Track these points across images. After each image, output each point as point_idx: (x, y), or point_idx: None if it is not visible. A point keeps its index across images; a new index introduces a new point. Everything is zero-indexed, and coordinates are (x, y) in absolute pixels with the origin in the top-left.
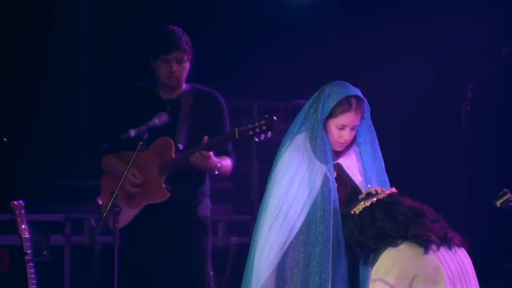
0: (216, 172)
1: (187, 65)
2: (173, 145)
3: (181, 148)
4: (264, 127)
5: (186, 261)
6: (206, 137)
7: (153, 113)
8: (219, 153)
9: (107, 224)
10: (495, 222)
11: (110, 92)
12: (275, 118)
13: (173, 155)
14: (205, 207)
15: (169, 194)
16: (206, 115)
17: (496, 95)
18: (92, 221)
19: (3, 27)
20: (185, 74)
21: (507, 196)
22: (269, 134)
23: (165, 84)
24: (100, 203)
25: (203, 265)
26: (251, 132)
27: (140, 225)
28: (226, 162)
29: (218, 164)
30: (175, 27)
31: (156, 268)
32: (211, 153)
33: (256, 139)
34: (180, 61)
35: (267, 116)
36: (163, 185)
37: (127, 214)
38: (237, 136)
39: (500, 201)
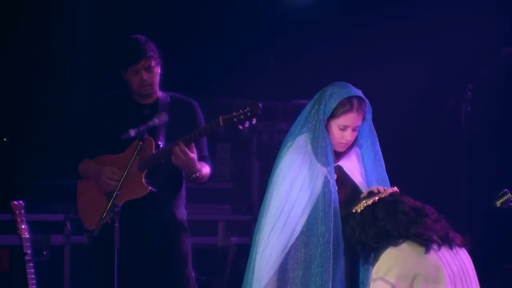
0: (193, 176)
1: (157, 71)
2: (153, 142)
3: (161, 145)
4: (248, 114)
5: (168, 262)
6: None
7: (132, 118)
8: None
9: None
10: (495, 222)
11: (85, 104)
12: (260, 104)
13: (153, 152)
14: (183, 212)
15: (149, 188)
16: (183, 120)
17: (496, 95)
18: (68, 225)
19: (2, 26)
20: (157, 79)
21: (507, 196)
22: (254, 121)
23: (140, 93)
24: (69, 225)
25: (186, 265)
26: (235, 119)
27: (120, 226)
28: (206, 170)
29: (198, 173)
30: (138, 36)
31: (137, 269)
32: (195, 156)
33: (241, 127)
34: (149, 69)
35: (251, 102)
36: (143, 180)
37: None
38: (221, 124)
39: (500, 201)
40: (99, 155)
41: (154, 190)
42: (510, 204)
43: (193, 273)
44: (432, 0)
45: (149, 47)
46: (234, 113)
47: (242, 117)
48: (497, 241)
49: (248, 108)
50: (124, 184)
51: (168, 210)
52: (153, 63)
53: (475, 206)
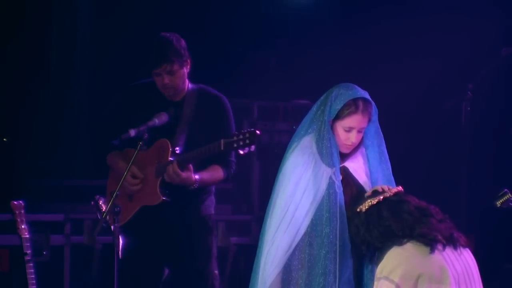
0: (191, 188)
1: (181, 72)
2: (169, 147)
3: (177, 151)
4: (247, 141)
5: (190, 260)
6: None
7: (157, 113)
8: (216, 161)
9: (108, 224)
10: (495, 222)
11: (117, 88)
12: (258, 132)
13: (169, 159)
14: (210, 205)
15: (162, 198)
16: (209, 118)
17: (496, 95)
18: (99, 216)
19: (3, 27)
20: (180, 81)
21: (507, 196)
22: (253, 147)
23: (163, 93)
24: (101, 202)
25: (208, 264)
26: (235, 145)
27: (143, 225)
28: (213, 175)
29: (195, 184)
30: (166, 35)
31: (160, 267)
32: (189, 174)
33: (241, 152)
34: (171, 72)
35: (251, 129)
36: (158, 189)
37: (125, 213)
38: (222, 148)
39: (500, 201)
40: (126, 146)
41: (168, 200)
42: (510, 204)
43: (216, 272)
44: (432, 0)
45: (174, 51)
46: (235, 138)
47: (241, 143)
48: (497, 241)
49: (247, 135)
50: (142, 187)
51: (192, 209)
52: (175, 67)
53: (475, 206)
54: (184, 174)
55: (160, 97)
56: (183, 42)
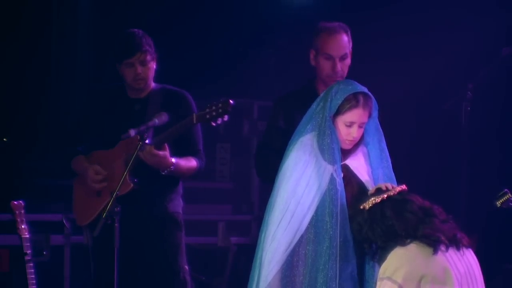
0: (165, 171)
1: (152, 65)
2: (138, 138)
3: (146, 142)
4: (220, 110)
5: (158, 255)
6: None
7: (123, 113)
8: (186, 152)
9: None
10: (495, 222)
11: (83, 94)
12: (231, 101)
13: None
14: (177, 205)
15: (132, 185)
16: (176, 113)
17: (496, 95)
18: (66, 225)
19: (2, 26)
20: (151, 74)
21: (507, 196)
22: (226, 117)
23: (133, 86)
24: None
25: (176, 258)
26: (208, 116)
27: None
28: (188, 163)
29: (173, 165)
30: (135, 30)
31: (129, 262)
32: (165, 153)
33: (213, 124)
34: (143, 63)
35: (223, 99)
36: (127, 177)
37: (94, 209)
38: (194, 121)
39: (500, 201)
40: (92, 149)
41: (136, 187)
42: (510, 204)
43: (186, 267)
44: (433, 0)
45: (145, 41)
46: (207, 110)
47: (214, 113)
48: (497, 241)
49: (220, 105)
50: (110, 182)
51: (160, 205)
52: (148, 57)
53: (475, 206)
54: (161, 153)
55: (124, 97)
56: (151, 39)
